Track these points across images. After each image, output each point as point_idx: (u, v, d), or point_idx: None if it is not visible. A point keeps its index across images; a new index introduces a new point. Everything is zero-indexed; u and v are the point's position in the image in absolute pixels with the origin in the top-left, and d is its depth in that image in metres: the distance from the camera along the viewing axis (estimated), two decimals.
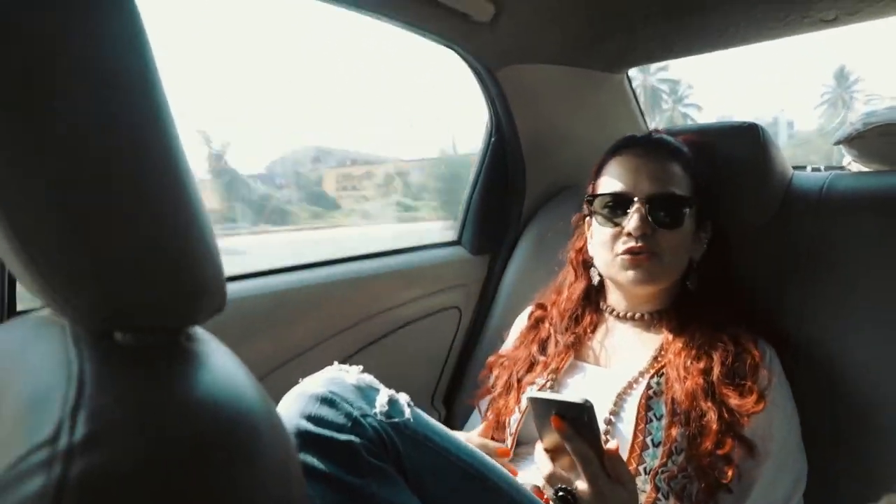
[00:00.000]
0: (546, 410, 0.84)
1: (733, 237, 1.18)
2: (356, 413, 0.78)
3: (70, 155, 0.39)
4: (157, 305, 0.44)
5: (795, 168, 1.40)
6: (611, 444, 0.84)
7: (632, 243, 1.05)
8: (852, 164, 1.46)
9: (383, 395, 0.83)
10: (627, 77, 1.76)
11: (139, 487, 0.36)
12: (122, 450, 0.36)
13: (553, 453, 0.88)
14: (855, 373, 1.06)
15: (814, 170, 1.66)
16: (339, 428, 0.77)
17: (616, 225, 1.08)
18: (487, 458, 0.90)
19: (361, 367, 0.87)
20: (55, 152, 0.39)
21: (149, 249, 0.42)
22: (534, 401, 0.86)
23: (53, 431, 0.35)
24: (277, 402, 0.83)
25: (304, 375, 0.87)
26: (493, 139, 1.64)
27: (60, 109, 0.39)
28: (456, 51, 1.45)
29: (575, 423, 0.81)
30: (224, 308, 0.49)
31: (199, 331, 0.50)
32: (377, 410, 0.80)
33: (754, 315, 1.10)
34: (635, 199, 1.06)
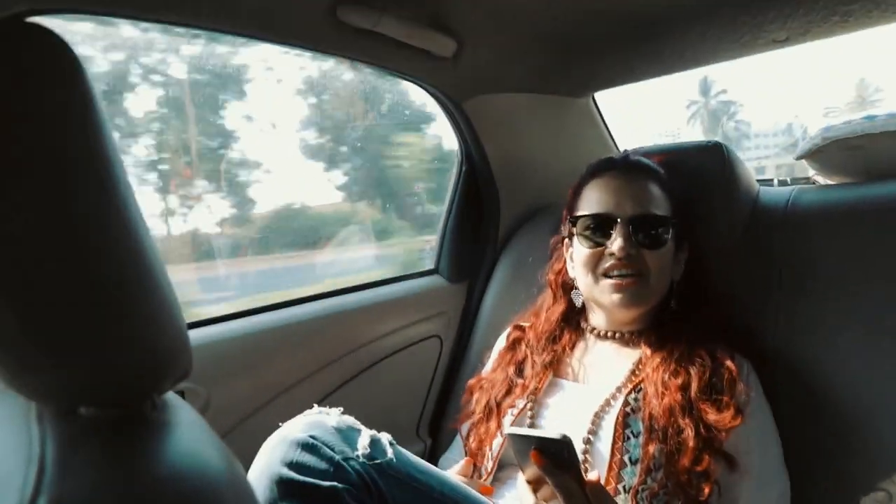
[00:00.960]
0: (525, 445, 0.84)
1: (707, 255, 1.19)
2: (338, 457, 0.78)
3: (23, 237, 0.39)
4: (121, 380, 0.44)
5: (761, 182, 1.42)
6: (591, 475, 0.84)
7: (614, 262, 1.06)
8: (818, 177, 1.49)
9: (364, 436, 0.83)
10: (593, 100, 1.79)
11: None
12: None
13: (535, 483, 0.88)
14: (830, 384, 1.07)
15: (780, 183, 1.69)
16: (322, 474, 0.76)
17: (598, 245, 1.09)
18: (472, 491, 0.90)
19: (342, 409, 0.87)
20: (8, 236, 0.39)
21: (109, 325, 0.42)
22: (512, 437, 0.86)
23: None
24: (260, 443, 0.83)
25: (287, 414, 0.86)
26: (464, 168, 1.66)
27: (13, 195, 0.39)
28: (421, 85, 1.48)
29: (555, 457, 0.81)
30: (189, 374, 0.49)
31: (166, 396, 0.50)
32: (359, 452, 0.80)
33: (732, 331, 1.11)
34: (618, 220, 1.07)
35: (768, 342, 1.14)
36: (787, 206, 1.23)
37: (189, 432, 0.47)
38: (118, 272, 0.43)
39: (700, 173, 1.23)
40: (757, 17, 1.23)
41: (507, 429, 0.87)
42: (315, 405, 0.88)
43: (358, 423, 0.86)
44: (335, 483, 0.76)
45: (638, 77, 1.59)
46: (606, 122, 1.85)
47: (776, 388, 1.08)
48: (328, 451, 0.79)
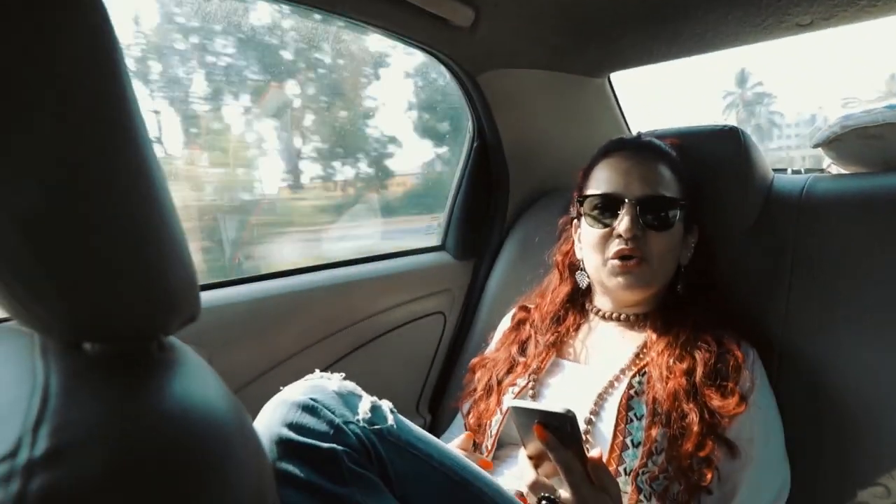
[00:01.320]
0: (528, 419, 0.83)
1: (718, 241, 1.18)
2: (338, 420, 0.78)
3: (32, 164, 0.38)
4: (127, 316, 0.43)
5: (776, 171, 1.41)
6: (594, 452, 0.84)
7: (622, 245, 1.05)
8: (832, 167, 1.47)
9: (366, 401, 0.82)
10: (609, 81, 1.77)
11: (102, 502, 0.35)
12: (84, 465, 0.35)
13: (536, 459, 0.88)
14: (837, 375, 1.07)
15: (794, 172, 1.67)
16: (322, 436, 0.76)
17: (606, 226, 1.08)
18: (471, 463, 0.90)
19: (343, 375, 0.86)
20: (17, 162, 0.38)
21: (117, 258, 0.42)
22: (515, 409, 0.85)
23: (13, 446, 0.34)
24: (260, 410, 0.83)
25: (288, 382, 0.86)
26: (475, 144, 1.65)
27: (24, 118, 0.38)
28: (437, 56, 1.46)
29: (558, 431, 0.81)
30: (197, 318, 0.48)
31: (173, 340, 0.50)
32: (360, 417, 0.80)
33: (739, 318, 1.11)
34: (626, 200, 1.06)
35: (776, 330, 1.13)
36: (802, 194, 1.22)
37: (197, 375, 0.46)
38: (130, 208, 0.42)
39: (715, 158, 1.22)
40: None
41: (510, 402, 0.87)
42: (317, 370, 0.88)
43: (359, 388, 0.85)
44: (334, 445, 0.76)
45: (656, 58, 1.57)
46: (621, 103, 1.83)
47: (781, 377, 1.08)
48: (329, 413, 0.78)
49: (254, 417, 0.82)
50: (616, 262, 1.06)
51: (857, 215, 1.15)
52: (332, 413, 0.78)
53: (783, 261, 1.17)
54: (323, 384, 0.83)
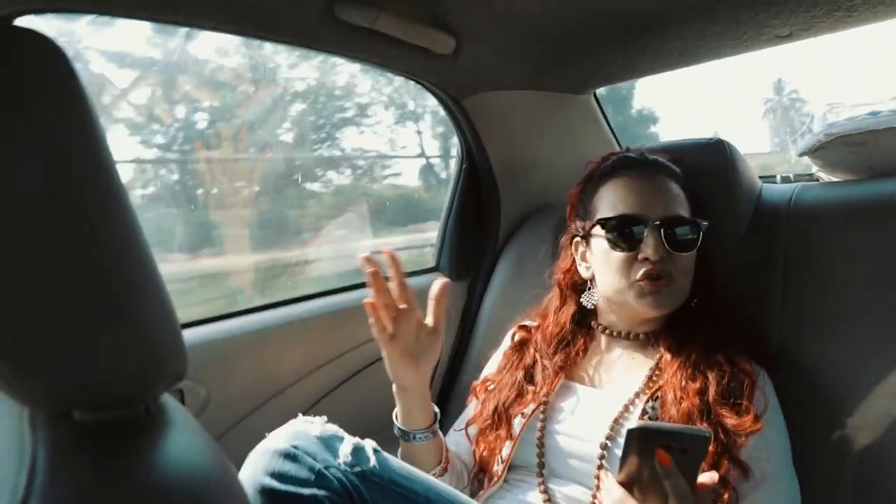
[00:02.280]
0: (648, 441, 0.77)
1: (711, 254, 1.17)
2: (319, 465, 0.79)
3: (15, 239, 0.39)
4: (115, 384, 0.43)
5: (764, 179, 1.41)
6: (706, 476, 0.80)
7: (650, 267, 1.03)
8: (820, 173, 1.47)
9: (347, 444, 0.84)
10: (595, 97, 1.78)
11: None
12: None
13: (628, 486, 0.82)
14: (833, 380, 1.06)
15: (783, 179, 1.68)
16: (303, 483, 0.78)
17: (630, 249, 1.05)
18: (459, 495, 0.90)
19: (325, 418, 0.88)
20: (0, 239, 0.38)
21: (102, 327, 0.42)
22: (636, 431, 0.77)
23: None
24: (261, 440, 0.84)
25: (288, 411, 0.88)
26: (464, 165, 1.66)
27: (5, 198, 0.38)
28: (421, 83, 1.47)
29: (681, 455, 0.76)
30: (184, 377, 0.49)
31: (162, 399, 0.50)
32: (341, 460, 0.81)
33: (745, 332, 1.10)
34: (649, 222, 1.04)
35: (772, 340, 1.13)
36: (791, 204, 1.22)
37: (182, 437, 0.47)
38: (111, 274, 0.43)
39: (702, 171, 1.21)
40: (759, 13, 1.21)
41: (636, 423, 0.83)
42: (300, 414, 0.89)
43: (342, 431, 0.87)
44: (316, 490, 0.77)
45: (639, 73, 1.58)
46: (608, 118, 1.84)
47: (779, 388, 1.07)
48: (309, 459, 0.80)
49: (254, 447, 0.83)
50: (645, 283, 1.03)
51: (845, 222, 1.15)
52: (314, 459, 0.80)
53: (775, 269, 1.17)
54: (304, 429, 0.84)
